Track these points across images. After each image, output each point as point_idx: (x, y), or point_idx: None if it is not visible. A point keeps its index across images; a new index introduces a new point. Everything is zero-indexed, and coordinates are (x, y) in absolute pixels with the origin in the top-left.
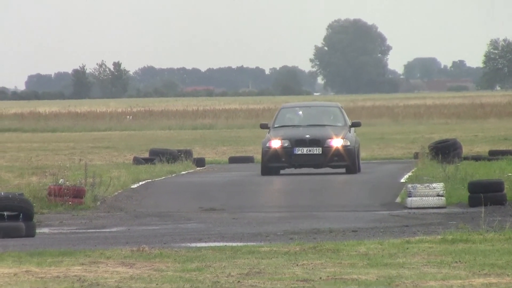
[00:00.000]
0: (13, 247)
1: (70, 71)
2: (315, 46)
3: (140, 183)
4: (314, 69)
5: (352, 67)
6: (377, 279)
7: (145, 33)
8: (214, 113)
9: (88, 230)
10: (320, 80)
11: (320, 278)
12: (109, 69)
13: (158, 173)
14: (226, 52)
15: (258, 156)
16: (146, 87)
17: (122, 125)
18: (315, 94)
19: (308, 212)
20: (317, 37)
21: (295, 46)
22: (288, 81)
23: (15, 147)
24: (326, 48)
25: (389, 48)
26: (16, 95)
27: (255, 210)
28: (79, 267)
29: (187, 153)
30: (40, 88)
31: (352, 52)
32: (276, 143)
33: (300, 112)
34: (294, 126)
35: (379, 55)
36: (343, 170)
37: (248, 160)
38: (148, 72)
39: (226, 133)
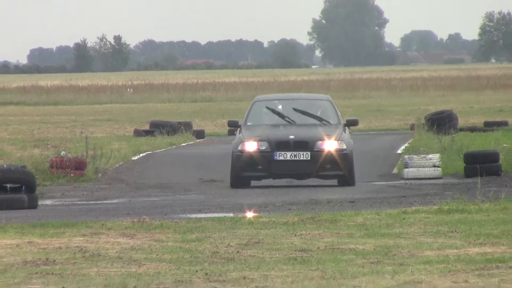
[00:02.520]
0: (16, 218)
1: (71, 45)
2: (313, 19)
3: (141, 155)
4: (312, 42)
5: (350, 40)
6: (374, 249)
7: (145, 7)
8: (213, 86)
9: (90, 202)
10: (318, 53)
11: (318, 248)
12: (110, 43)
13: (159, 145)
14: (225, 25)
15: None
16: (146, 60)
17: (123, 98)
18: (313, 67)
19: (306, 183)
20: (315, 10)
21: (293, 19)
22: (286, 54)
23: (18, 120)
24: (323, 21)
25: (386, 21)
26: (18, 69)
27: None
28: (80, 238)
29: (187, 125)
30: (42, 61)
31: (349, 25)
32: (251, 146)
33: (280, 106)
34: (273, 124)
35: (376, 28)
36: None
37: None
38: (148, 45)
39: (226, 105)
